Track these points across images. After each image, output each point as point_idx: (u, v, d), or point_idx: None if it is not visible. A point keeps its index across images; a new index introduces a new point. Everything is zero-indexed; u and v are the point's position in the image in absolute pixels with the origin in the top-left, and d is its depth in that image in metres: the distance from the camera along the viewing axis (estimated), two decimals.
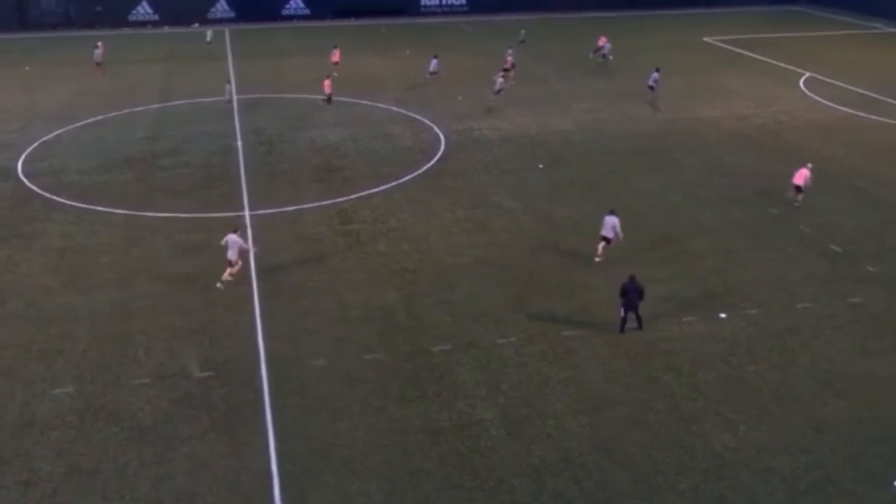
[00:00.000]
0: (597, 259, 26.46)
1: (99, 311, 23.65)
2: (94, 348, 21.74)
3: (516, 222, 29.93)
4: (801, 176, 30.76)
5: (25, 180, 33.81)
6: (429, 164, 35.92)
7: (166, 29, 69.26)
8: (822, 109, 44.71)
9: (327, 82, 44.93)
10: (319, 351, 21.67)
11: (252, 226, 29.12)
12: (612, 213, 26.52)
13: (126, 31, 68.26)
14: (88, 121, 42.28)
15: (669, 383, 20.41)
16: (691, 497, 16.72)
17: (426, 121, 42.27)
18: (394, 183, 33.60)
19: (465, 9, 76.60)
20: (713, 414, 19.25)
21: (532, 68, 53.02)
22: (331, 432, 18.56)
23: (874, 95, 47.27)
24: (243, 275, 25.27)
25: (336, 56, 52.32)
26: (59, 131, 40.48)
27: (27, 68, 54.31)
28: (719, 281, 25.56)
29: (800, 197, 30.87)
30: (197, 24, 69.83)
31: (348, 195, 32.31)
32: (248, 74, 52.20)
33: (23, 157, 36.66)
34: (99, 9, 68.73)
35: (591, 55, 56.67)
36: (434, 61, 49.86)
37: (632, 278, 22.17)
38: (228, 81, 47.06)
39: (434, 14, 76.00)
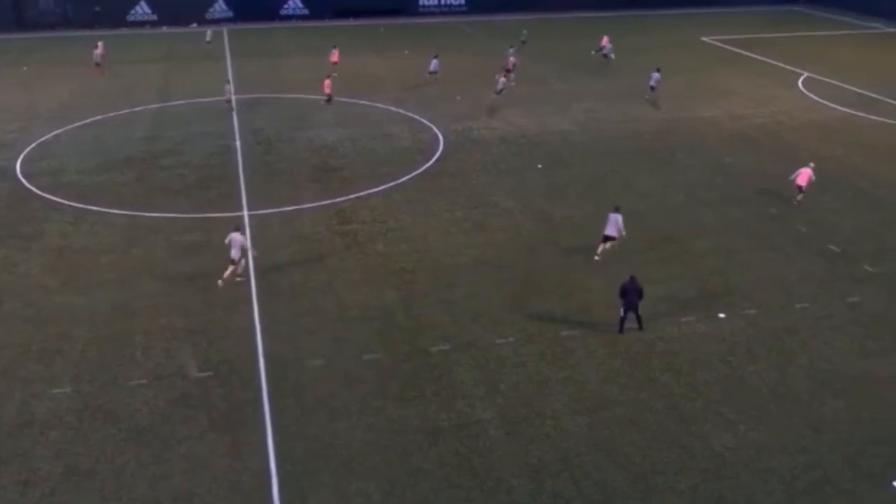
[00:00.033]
0: (596, 258, 26.46)
1: (97, 311, 23.63)
2: (93, 348, 21.72)
3: (515, 222, 29.93)
4: (805, 176, 30.82)
5: (24, 180, 33.78)
6: (427, 165, 35.91)
7: (164, 29, 69.26)
8: (820, 109, 44.74)
9: (327, 82, 44.91)
10: (318, 351, 21.66)
11: (251, 226, 29.09)
12: (616, 210, 26.53)
13: (124, 31, 68.25)
14: (87, 121, 42.25)
15: (668, 383, 20.41)
16: (690, 497, 16.72)
17: (425, 121, 42.27)
18: (392, 183, 33.59)
19: (464, 9, 76.64)
20: (712, 414, 19.25)
21: (531, 68, 53.01)
22: (329, 432, 18.55)
23: (872, 95, 47.30)
24: (243, 274, 25.25)
25: (335, 56, 52.29)
26: (58, 131, 40.45)
27: (25, 68, 54.28)
28: (719, 281, 25.56)
29: (799, 197, 30.91)
30: (195, 24, 69.83)
31: (347, 195, 32.29)
32: (247, 74, 52.19)
33: (21, 157, 36.62)
34: (97, 9, 68.71)
35: (593, 52, 56.70)
36: (434, 61, 49.86)
37: (632, 279, 22.16)
38: (228, 81, 47.02)
39: (433, 14, 76.02)
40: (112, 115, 43.34)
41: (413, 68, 53.24)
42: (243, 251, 24.79)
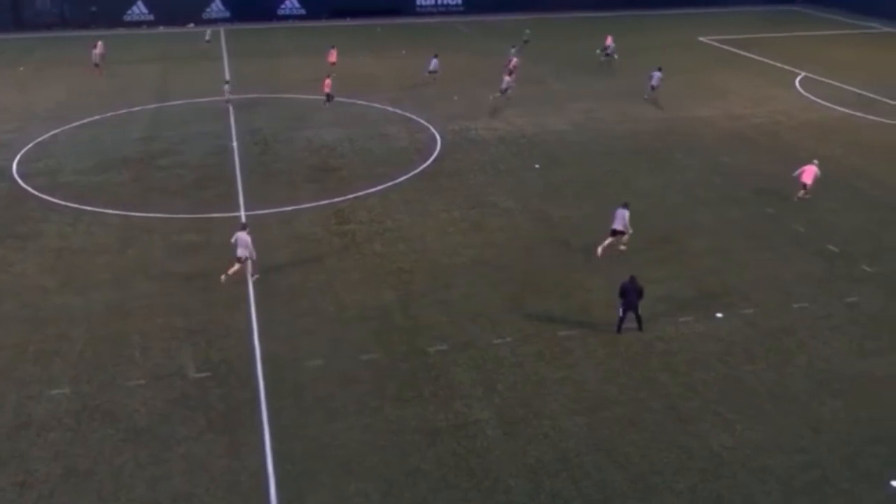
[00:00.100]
0: (598, 252, 26.48)
1: (95, 311, 23.59)
2: (91, 349, 21.68)
3: (513, 222, 29.92)
4: (811, 174, 30.95)
5: (20, 181, 33.72)
6: (425, 165, 35.90)
7: (161, 29, 69.18)
8: (817, 109, 44.78)
9: (328, 81, 44.87)
10: (316, 351, 21.64)
11: (248, 226, 29.00)
12: (624, 206, 26.80)
13: (121, 31, 68.14)
14: (84, 121, 42.20)
15: (666, 383, 20.41)
16: (689, 497, 16.72)
17: (422, 121, 42.25)
18: (390, 183, 33.58)
19: (461, 9, 76.62)
20: (710, 414, 19.26)
21: (529, 68, 52.95)
22: (327, 433, 18.54)
23: (870, 95, 47.35)
24: (243, 273, 25.27)
25: (333, 56, 52.25)
26: (55, 131, 40.39)
27: (22, 68, 54.19)
28: (716, 281, 25.57)
29: (801, 192, 31.03)
30: (192, 25, 69.77)
31: (344, 195, 32.27)
32: (244, 74, 52.12)
33: (18, 157, 36.56)
34: (94, 9, 68.62)
35: (598, 52, 56.68)
36: (434, 60, 49.87)
37: (632, 279, 22.16)
38: (227, 81, 47.01)
39: (430, 14, 75.99)
40: (109, 115, 43.29)
41: (410, 68, 53.24)
42: (249, 250, 24.81)
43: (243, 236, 24.72)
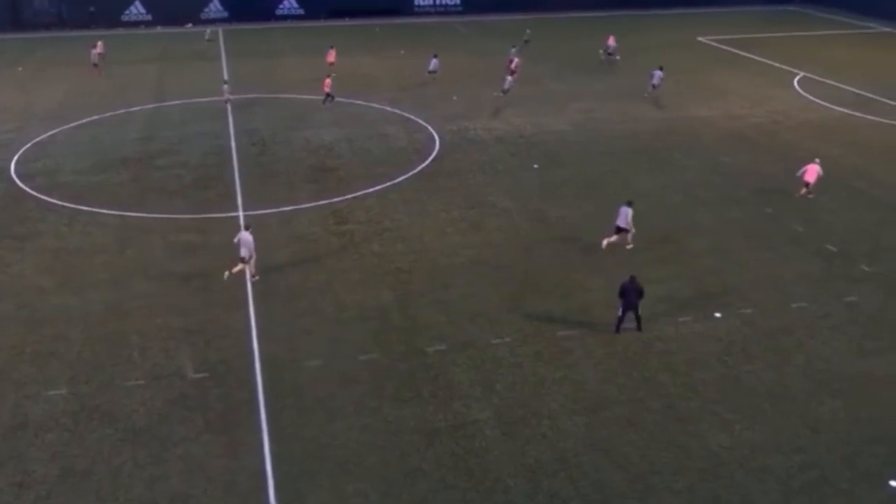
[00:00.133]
0: (603, 244, 26.82)
1: (93, 311, 23.55)
2: (88, 349, 21.65)
3: (511, 222, 29.89)
4: (813, 172, 31.05)
5: (18, 181, 33.67)
6: (423, 164, 35.88)
7: (159, 29, 69.10)
8: (816, 109, 44.78)
9: (328, 81, 44.80)
10: (314, 351, 21.61)
11: (251, 226, 28.96)
12: (628, 204, 27.06)
13: (119, 31, 68.04)
14: (82, 121, 42.14)
15: (665, 383, 20.40)
16: (687, 496, 16.71)
17: (420, 121, 42.22)
18: (388, 183, 33.54)
19: (459, 9, 76.58)
20: (709, 414, 19.24)
21: (528, 68, 52.86)
22: (326, 433, 18.51)
23: (868, 95, 47.36)
24: (257, 273, 25.30)
25: (332, 56, 52.22)
26: (53, 132, 40.34)
27: (20, 69, 54.12)
28: (715, 281, 25.55)
29: (803, 191, 31.08)
30: (190, 25, 69.71)
31: (343, 195, 32.24)
32: (242, 74, 52.06)
33: (16, 157, 36.51)
34: (92, 9, 68.54)
35: (600, 52, 56.60)
36: (434, 60, 49.88)
37: (632, 279, 22.15)
38: (226, 81, 46.98)
39: (428, 14, 75.96)
40: (107, 115, 43.23)
41: (409, 68, 53.23)
42: (250, 250, 24.79)
43: (246, 236, 24.70)
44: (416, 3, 76.18)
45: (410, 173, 34.76)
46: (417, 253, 27.38)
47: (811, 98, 46.89)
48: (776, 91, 48.50)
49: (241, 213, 30.26)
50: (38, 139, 39.12)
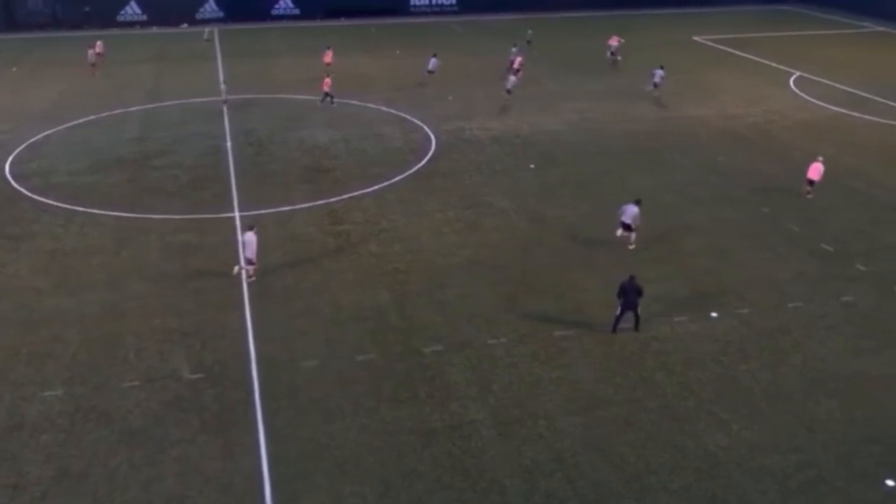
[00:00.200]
0: (618, 234, 27.30)
1: (89, 312, 23.50)
2: (84, 350, 21.59)
3: (508, 222, 29.89)
4: (816, 170, 31.27)
5: (13, 182, 33.58)
6: (420, 165, 35.85)
7: (155, 29, 69.00)
8: (812, 108, 44.84)
9: (327, 80, 44.72)
10: (311, 352, 21.58)
11: (243, 227, 28.93)
12: (636, 203, 27.31)
13: (114, 31, 67.91)
14: (77, 122, 42.05)
15: (661, 383, 20.40)
16: (684, 496, 16.71)
17: (416, 121, 42.20)
18: (385, 183, 33.51)
19: (455, 9, 76.57)
20: (705, 413, 19.25)
21: (525, 68, 52.90)
22: (323, 434, 18.48)
23: (864, 94, 47.44)
24: (253, 274, 25.24)
25: (328, 57, 52.19)
26: (48, 132, 40.24)
27: (14, 69, 53.99)
28: (711, 280, 25.57)
29: (807, 187, 31.15)
30: (185, 25, 69.64)
31: (339, 196, 32.20)
32: (238, 75, 51.99)
33: (10, 158, 36.41)
34: (87, 9, 68.43)
35: (608, 54, 56.45)
36: (433, 60, 49.89)
37: (631, 278, 22.15)
38: (224, 82, 46.90)
39: (424, 14, 75.96)
40: (103, 115, 43.15)
41: (405, 68, 53.21)
42: (252, 251, 24.80)
43: (250, 237, 24.68)
44: (411, 2, 76.18)
45: (407, 173, 34.74)
46: (414, 253, 27.36)
47: (807, 97, 46.95)
48: (772, 90, 48.56)
49: (237, 214, 30.21)
50: (32, 140, 39.02)
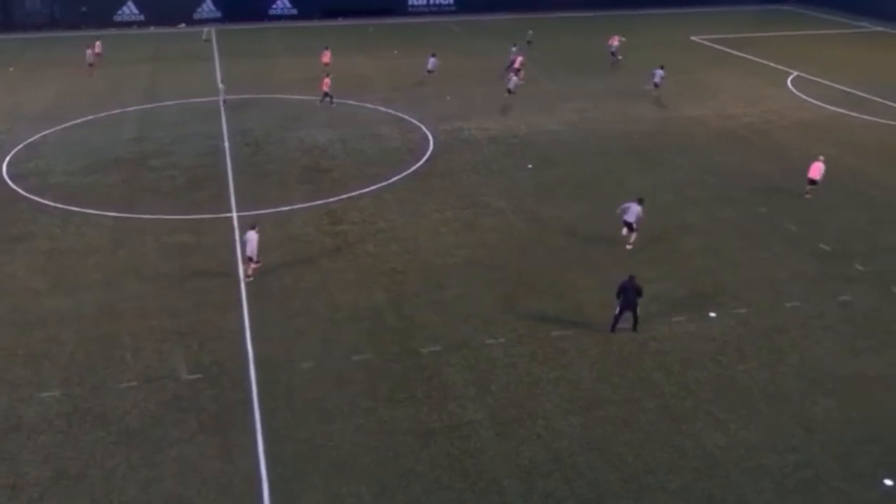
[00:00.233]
0: (624, 233, 27.38)
1: (86, 313, 23.46)
2: (81, 351, 21.56)
3: (505, 222, 29.88)
4: (817, 169, 31.39)
5: (10, 182, 33.53)
6: (417, 165, 35.84)
7: (152, 29, 68.95)
8: (809, 108, 44.86)
9: (327, 80, 44.67)
10: (308, 352, 21.56)
11: (241, 227, 28.92)
12: (639, 202, 27.36)
13: (112, 31, 67.84)
14: (75, 122, 41.99)
15: (660, 383, 20.40)
16: (682, 496, 16.71)
17: (414, 121, 42.18)
18: (382, 183, 33.50)
19: (453, 8, 76.56)
20: (703, 413, 19.25)
21: (524, 67, 52.91)
22: (320, 434, 18.47)
23: (862, 94, 47.46)
24: (252, 274, 25.24)
25: (327, 57, 52.16)
26: (45, 132, 40.19)
27: (11, 69, 53.91)
28: (709, 280, 25.57)
29: (808, 187, 31.22)
30: (183, 25, 69.58)
31: (337, 196, 32.18)
32: (236, 75, 51.91)
33: (8, 158, 36.36)
34: (84, 9, 68.35)
35: (616, 57, 56.39)
36: (432, 60, 49.91)
37: (630, 278, 22.15)
38: (223, 81, 46.88)
39: (422, 14, 75.93)
40: (100, 115, 43.10)
41: (402, 68, 53.19)
42: (252, 250, 24.79)
43: (253, 236, 24.68)
44: (409, 2, 76.16)
45: (404, 173, 34.72)
46: (411, 253, 27.34)
47: (805, 97, 46.98)
48: (770, 90, 48.58)
49: (234, 214, 30.19)
50: (29, 140, 38.97)
